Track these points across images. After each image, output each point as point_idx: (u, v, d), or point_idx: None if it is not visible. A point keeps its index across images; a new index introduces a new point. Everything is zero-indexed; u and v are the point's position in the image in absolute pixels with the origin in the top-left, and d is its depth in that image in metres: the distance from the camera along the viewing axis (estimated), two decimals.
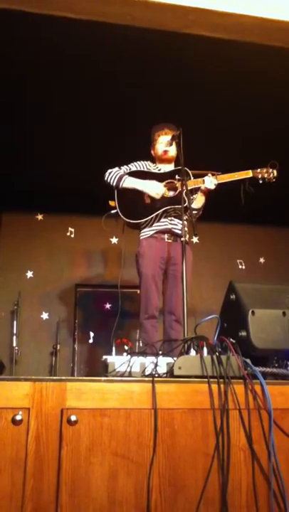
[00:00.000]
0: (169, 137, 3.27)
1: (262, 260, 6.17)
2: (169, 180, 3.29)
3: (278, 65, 3.65)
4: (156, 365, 1.86)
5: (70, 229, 5.86)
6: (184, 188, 2.82)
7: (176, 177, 3.26)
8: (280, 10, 2.79)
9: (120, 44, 3.43)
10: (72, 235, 5.86)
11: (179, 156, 3.01)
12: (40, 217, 5.86)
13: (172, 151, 3.39)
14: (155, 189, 3.26)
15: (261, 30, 2.90)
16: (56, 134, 4.47)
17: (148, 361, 1.90)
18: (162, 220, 3.28)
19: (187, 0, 2.73)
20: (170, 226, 3.28)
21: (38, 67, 3.72)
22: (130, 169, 3.38)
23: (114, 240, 5.64)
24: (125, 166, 3.40)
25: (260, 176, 3.19)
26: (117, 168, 3.37)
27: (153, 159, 3.51)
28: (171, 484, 1.52)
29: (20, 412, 1.48)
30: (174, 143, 3.26)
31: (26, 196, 5.33)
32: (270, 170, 3.20)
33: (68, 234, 5.85)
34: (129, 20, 2.91)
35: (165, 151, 3.39)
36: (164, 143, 3.36)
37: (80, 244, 5.80)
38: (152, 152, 3.51)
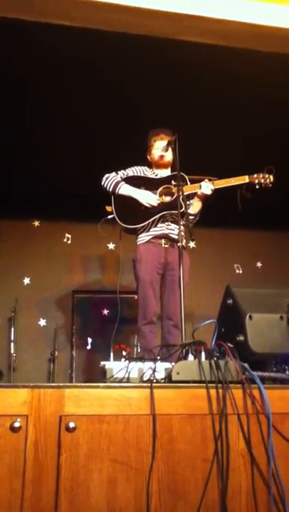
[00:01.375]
0: (165, 142, 3.28)
1: (259, 264, 6.18)
2: (165, 186, 3.30)
3: (274, 68, 3.67)
4: (154, 370, 1.86)
5: (66, 235, 5.85)
6: (180, 193, 2.83)
7: (173, 182, 3.26)
8: (273, 16, 2.81)
9: (120, 47, 3.46)
10: (69, 241, 5.85)
11: (175, 161, 3.02)
12: (36, 223, 5.86)
13: (168, 157, 3.40)
14: (148, 200, 3.26)
15: (254, 36, 2.93)
16: (55, 138, 4.49)
17: (146, 367, 1.89)
18: (159, 225, 3.29)
19: (181, 7, 2.76)
20: (167, 231, 3.28)
21: (36, 70, 3.75)
22: (127, 174, 3.39)
23: (111, 246, 5.64)
24: (122, 171, 3.40)
25: (256, 182, 3.20)
26: (114, 174, 3.38)
27: (149, 164, 3.52)
28: (170, 490, 1.51)
29: (19, 419, 1.48)
30: (170, 148, 3.28)
31: (23, 203, 5.32)
32: (267, 175, 3.21)
33: (65, 240, 5.85)
34: (124, 28, 2.94)
35: (161, 156, 3.40)
36: (160, 148, 3.37)
37: (77, 251, 5.80)
38: (149, 157, 3.52)
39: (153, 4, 2.79)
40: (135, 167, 3.45)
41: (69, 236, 5.87)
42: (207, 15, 2.79)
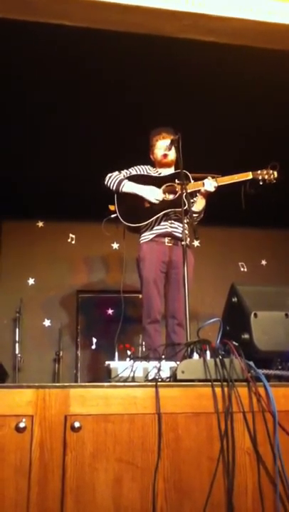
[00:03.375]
0: (166, 141, 3.28)
1: (264, 262, 6.17)
2: (168, 184, 3.29)
3: (277, 65, 3.66)
4: (159, 369, 1.86)
5: (70, 235, 5.87)
6: (184, 190, 2.83)
7: (176, 181, 3.26)
8: (274, 13, 2.80)
9: (121, 46, 3.44)
10: (73, 242, 5.86)
11: (178, 160, 3.01)
12: (40, 224, 5.87)
13: (171, 155, 3.39)
14: (153, 195, 3.26)
15: (256, 33, 2.92)
16: (57, 139, 4.49)
17: (151, 366, 1.89)
18: (162, 223, 3.28)
19: (181, 5, 2.75)
20: (170, 229, 3.27)
21: (37, 70, 3.75)
22: (130, 173, 3.39)
23: (115, 246, 5.64)
24: (125, 170, 3.40)
25: (260, 178, 3.18)
26: (116, 173, 3.37)
27: (152, 164, 3.51)
28: (176, 489, 1.51)
29: (24, 420, 1.48)
30: (172, 147, 3.27)
31: (27, 204, 5.34)
32: (271, 171, 3.19)
33: (69, 240, 5.86)
34: (124, 27, 2.93)
35: (164, 155, 3.38)
36: (163, 147, 3.36)
37: (81, 251, 5.81)
38: (151, 157, 3.51)
39: (154, 3, 2.78)
40: (138, 166, 3.44)
41: (73, 236, 5.88)
42: (208, 12, 2.78)
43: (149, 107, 3.97)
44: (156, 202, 3.25)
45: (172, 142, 3.14)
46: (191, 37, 3.00)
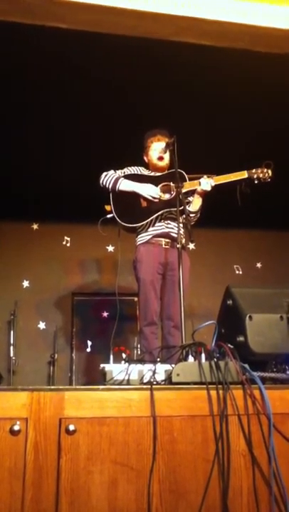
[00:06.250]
0: (161, 143, 3.29)
1: (259, 265, 6.18)
2: (164, 183, 3.28)
3: (272, 68, 3.67)
4: (154, 372, 1.86)
5: (65, 238, 5.85)
6: (179, 190, 2.83)
7: (171, 183, 3.26)
8: (269, 17, 2.82)
9: (119, 48, 3.44)
10: (68, 244, 5.85)
11: (174, 162, 3.02)
12: (35, 226, 5.86)
13: (166, 159, 3.39)
14: (151, 192, 3.24)
15: (250, 37, 2.93)
16: (53, 141, 4.49)
17: (146, 369, 1.89)
18: (159, 223, 3.27)
19: (176, 9, 2.76)
20: (167, 230, 3.26)
21: (37, 71, 3.76)
22: (124, 173, 3.37)
23: (110, 248, 5.63)
24: (120, 170, 3.39)
25: (255, 176, 3.21)
26: (112, 171, 3.36)
27: (146, 166, 3.51)
28: (171, 491, 1.51)
29: (18, 422, 1.47)
30: (167, 150, 3.27)
31: (22, 206, 5.32)
32: (265, 170, 3.22)
33: (64, 243, 5.85)
34: (119, 29, 2.94)
35: (160, 158, 3.38)
36: (158, 149, 3.36)
37: (76, 253, 5.79)
38: (145, 159, 3.51)
39: (150, 6, 2.78)
40: (132, 167, 3.43)
41: (68, 239, 5.86)
42: (204, 16, 2.80)
43: (146, 108, 3.97)
44: (155, 199, 3.23)
45: (167, 145, 3.14)
46: (186, 40, 3.00)
